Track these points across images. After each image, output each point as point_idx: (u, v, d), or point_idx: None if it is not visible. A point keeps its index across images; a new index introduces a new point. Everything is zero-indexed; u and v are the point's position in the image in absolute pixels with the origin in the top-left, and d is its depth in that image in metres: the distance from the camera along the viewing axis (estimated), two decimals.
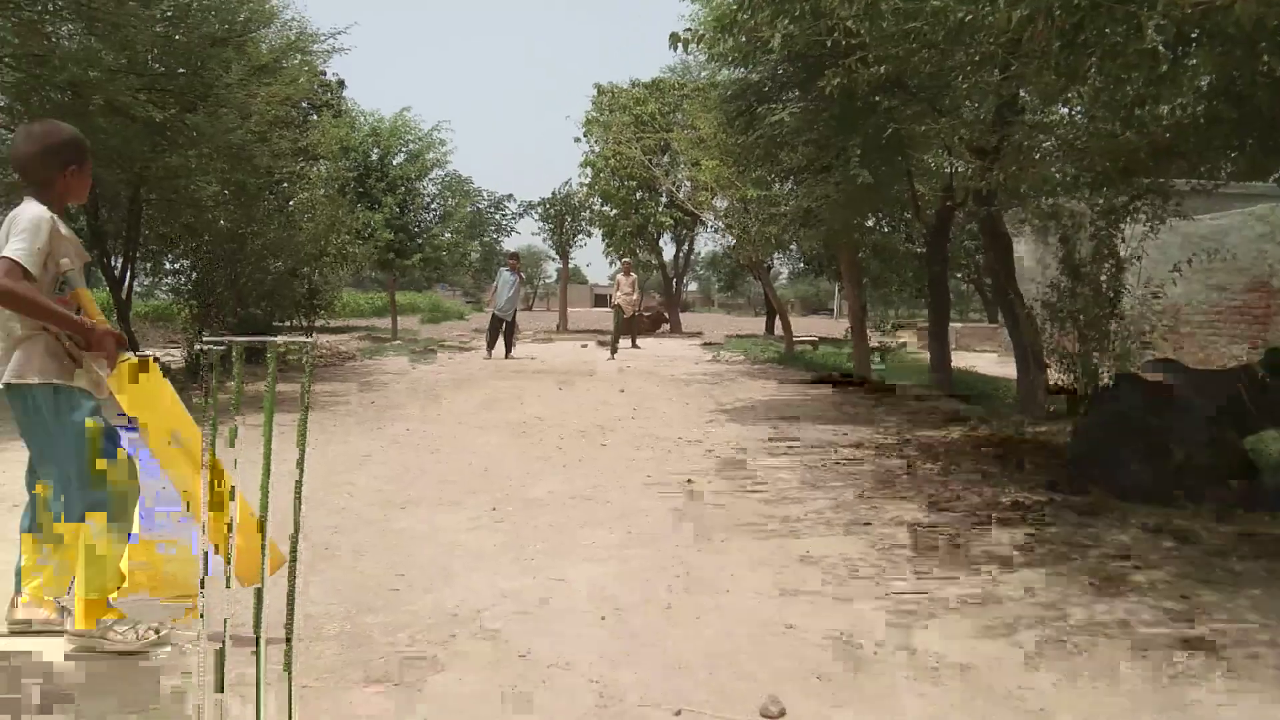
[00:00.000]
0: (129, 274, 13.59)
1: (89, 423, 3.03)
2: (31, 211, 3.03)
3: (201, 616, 2.43)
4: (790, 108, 8.89)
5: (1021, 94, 7.52)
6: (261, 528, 2.46)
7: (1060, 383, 9.02)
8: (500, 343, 17.02)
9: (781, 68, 9.10)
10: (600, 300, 63.24)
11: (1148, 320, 8.66)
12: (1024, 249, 12.91)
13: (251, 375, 8.95)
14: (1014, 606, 3.62)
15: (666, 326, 29.77)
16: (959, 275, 16.37)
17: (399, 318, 25.35)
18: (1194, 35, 4.19)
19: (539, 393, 11.09)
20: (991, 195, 8.64)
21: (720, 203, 20.21)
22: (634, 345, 20.46)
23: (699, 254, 38.44)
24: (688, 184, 23.08)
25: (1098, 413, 6.25)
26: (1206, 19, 3.75)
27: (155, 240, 13.58)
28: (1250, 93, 4.82)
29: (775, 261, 27.95)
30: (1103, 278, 8.52)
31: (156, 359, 2.98)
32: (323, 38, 13.09)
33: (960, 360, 14.38)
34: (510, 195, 30.92)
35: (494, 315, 17.30)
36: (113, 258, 13.58)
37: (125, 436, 2.92)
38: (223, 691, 2.32)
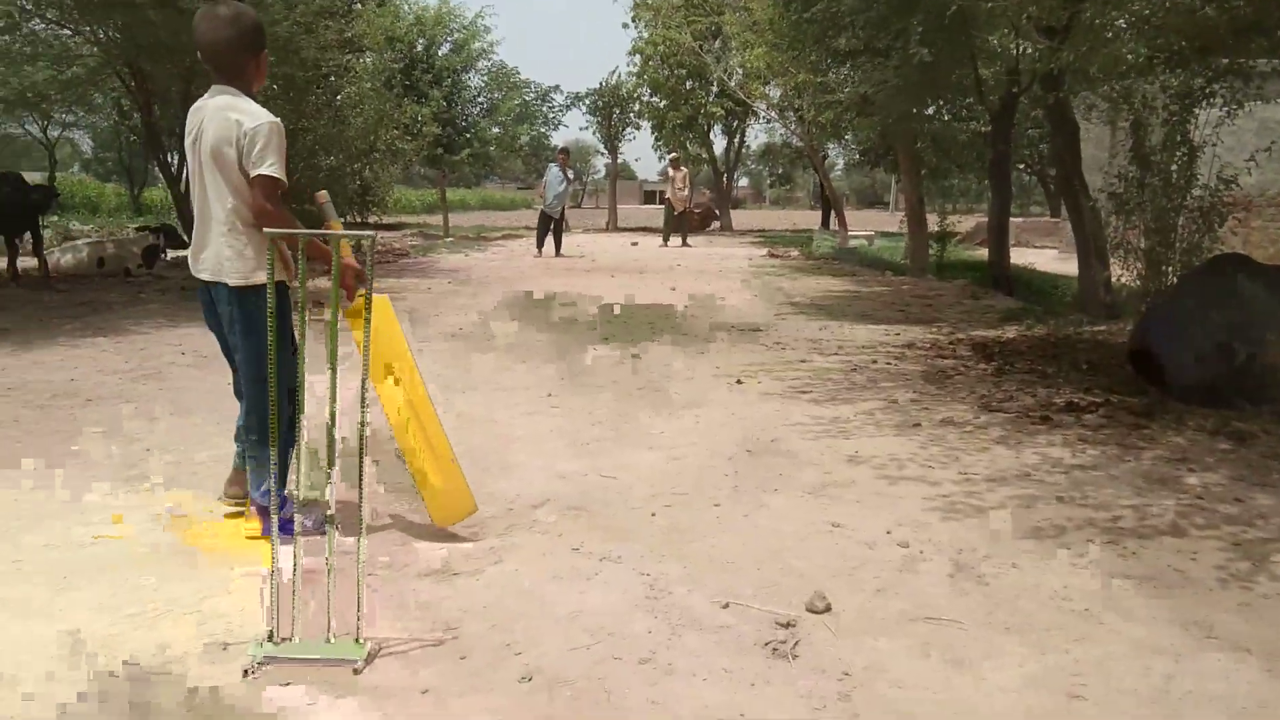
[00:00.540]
0: (186, 170, 13.70)
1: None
2: (274, 121, 3.01)
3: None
4: None
5: None
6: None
7: (1123, 279, 8.76)
8: (550, 241, 16.98)
9: None
10: (650, 197, 62.38)
11: (1218, 213, 8.28)
12: (1090, 137, 12.35)
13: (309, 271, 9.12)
14: (1063, 508, 3.62)
15: (717, 224, 29.23)
16: (1021, 166, 15.78)
17: (450, 214, 25.37)
18: None
19: (590, 290, 11.11)
20: (1059, 78, 8.23)
21: (773, 91, 19.61)
22: (684, 243, 20.25)
23: (750, 147, 37.39)
24: (739, 71, 22.37)
25: (1159, 310, 6.08)
26: None
27: None
28: None
29: (830, 152, 27.18)
30: (1173, 167, 8.14)
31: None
32: None
33: (1019, 257, 14.01)
34: (557, 86, 30.25)
35: (542, 212, 17.22)
36: (169, 154, 13.71)
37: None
38: (295, 580, 2.45)
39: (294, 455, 2.68)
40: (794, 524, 3.45)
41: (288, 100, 11.95)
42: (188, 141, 3.16)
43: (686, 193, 21.13)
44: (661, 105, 26.16)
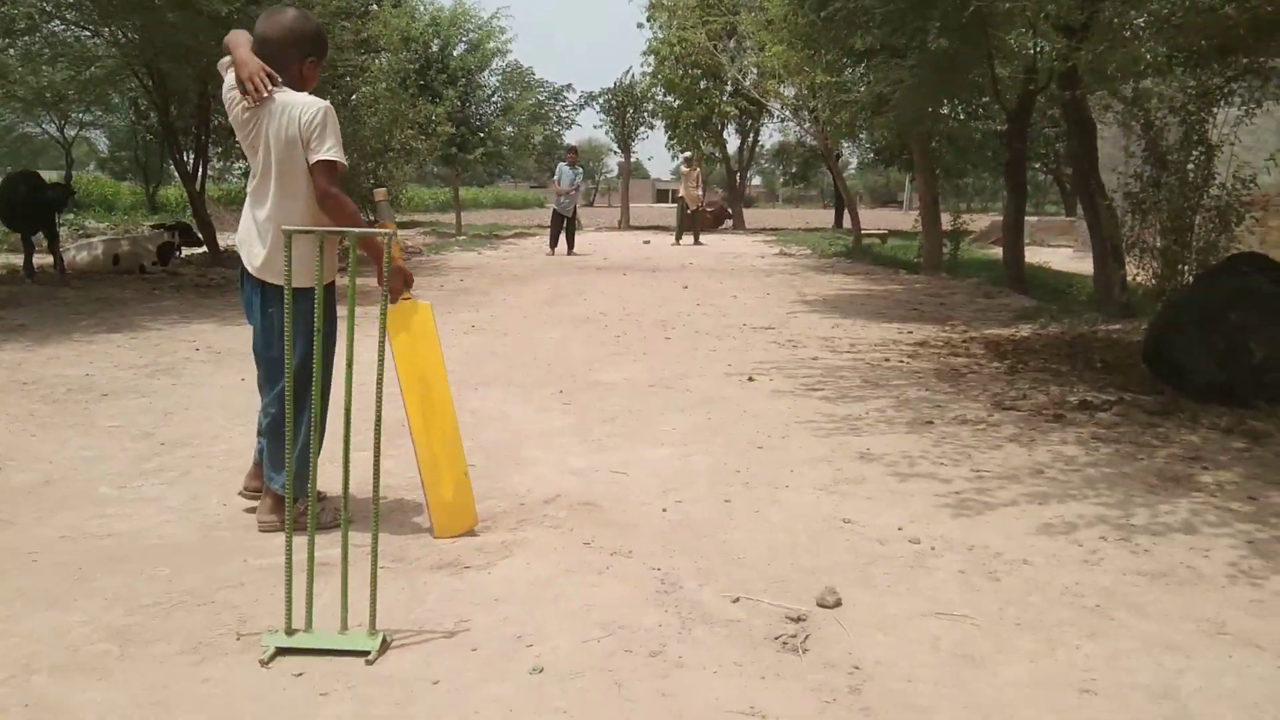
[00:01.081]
0: (202, 169, 13.82)
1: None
2: (326, 106, 3.05)
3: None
4: None
5: None
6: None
7: (1138, 278, 8.70)
8: (563, 239, 17.03)
9: None
10: (663, 195, 62.39)
11: (1235, 212, 8.22)
12: (1106, 137, 12.28)
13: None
14: (1075, 505, 3.61)
15: (729, 223, 29.23)
16: (1037, 165, 15.70)
17: (463, 212, 25.45)
18: None
19: (602, 287, 11.13)
20: (1077, 77, 8.18)
21: (788, 90, 19.58)
22: (696, 242, 20.26)
23: (763, 146, 37.38)
24: (754, 71, 22.33)
25: (1175, 309, 6.04)
26: None
27: (226, 131, 13.75)
28: None
29: (844, 151, 27.12)
30: (1190, 166, 8.09)
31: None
32: None
33: (1034, 255, 13.94)
34: (569, 85, 30.30)
35: (554, 211, 17.28)
36: (185, 153, 13.80)
37: None
38: (310, 573, 2.46)
39: (313, 448, 2.70)
40: (805, 520, 3.45)
41: None
42: (244, 132, 3.15)
43: (699, 191, 21.13)
44: (675, 104, 26.15)
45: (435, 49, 22.54)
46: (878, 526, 3.38)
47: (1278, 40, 6.55)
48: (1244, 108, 7.83)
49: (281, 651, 2.38)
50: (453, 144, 21.67)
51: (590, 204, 55.68)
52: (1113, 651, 2.47)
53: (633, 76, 28.22)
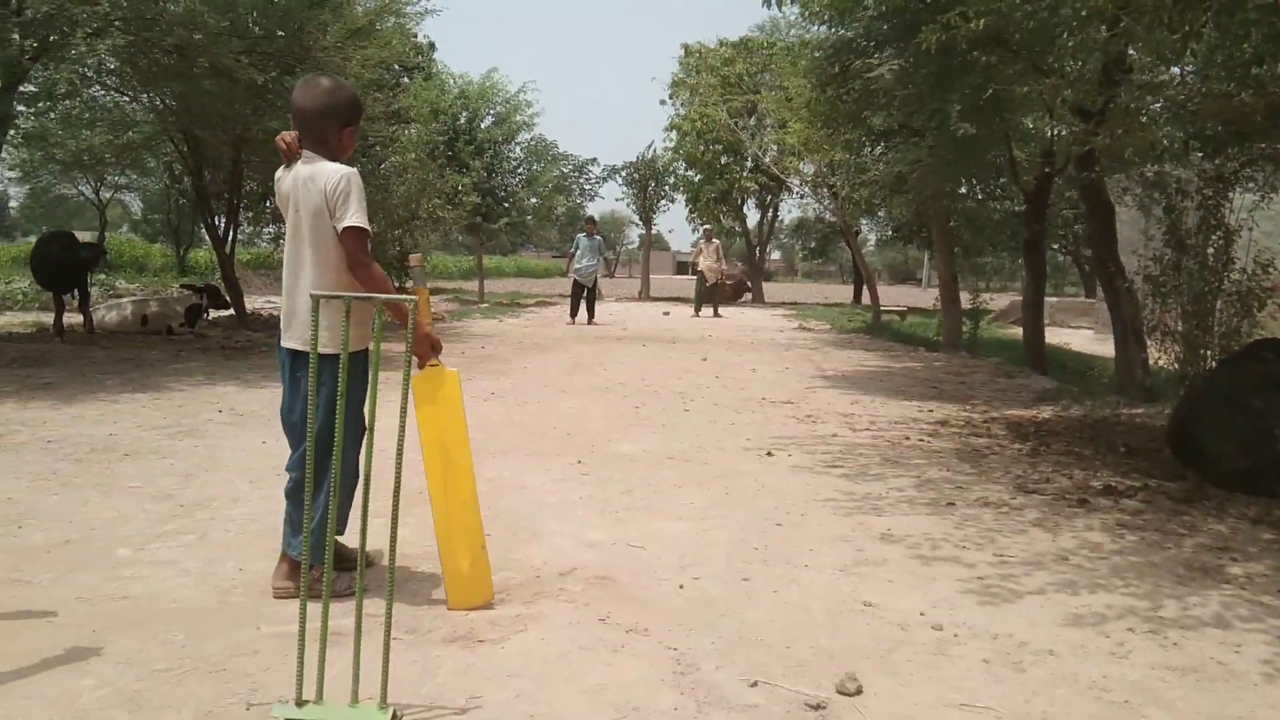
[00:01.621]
0: (232, 233, 14.10)
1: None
2: (350, 173, 3.11)
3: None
4: (887, 64, 8.65)
5: (1130, 52, 7.17)
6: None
7: (1160, 362, 8.65)
8: (583, 308, 17.19)
9: (877, 23, 8.86)
10: (682, 268, 63.04)
11: (1256, 297, 8.21)
12: (1125, 219, 12.35)
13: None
14: (1103, 595, 3.54)
15: (749, 295, 29.46)
16: (1055, 246, 15.78)
17: (485, 280, 25.78)
18: None
19: (622, 358, 11.17)
20: (1094, 160, 8.27)
21: (807, 167, 19.90)
22: (715, 314, 20.39)
23: (783, 221, 37.83)
24: (774, 148, 22.74)
25: (1198, 395, 5.99)
26: None
27: (257, 197, 14.09)
28: None
29: (863, 227, 27.41)
30: (1210, 250, 8.11)
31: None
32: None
33: (1053, 336, 13.91)
34: (594, 159, 30.93)
35: (575, 281, 17.48)
36: (216, 217, 14.11)
37: None
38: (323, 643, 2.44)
39: (330, 515, 2.70)
40: (825, 601, 3.39)
41: None
42: (285, 206, 3.23)
43: (719, 264, 21.35)
44: (696, 179, 26.61)
45: (463, 121, 23.14)
46: (899, 610, 3.31)
47: None
48: (1260, 193, 7.88)
49: None
50: (478, 213, 22.09)
51: (611, 274, 56.27)
52: None
53: (655, 151, 28.81)
